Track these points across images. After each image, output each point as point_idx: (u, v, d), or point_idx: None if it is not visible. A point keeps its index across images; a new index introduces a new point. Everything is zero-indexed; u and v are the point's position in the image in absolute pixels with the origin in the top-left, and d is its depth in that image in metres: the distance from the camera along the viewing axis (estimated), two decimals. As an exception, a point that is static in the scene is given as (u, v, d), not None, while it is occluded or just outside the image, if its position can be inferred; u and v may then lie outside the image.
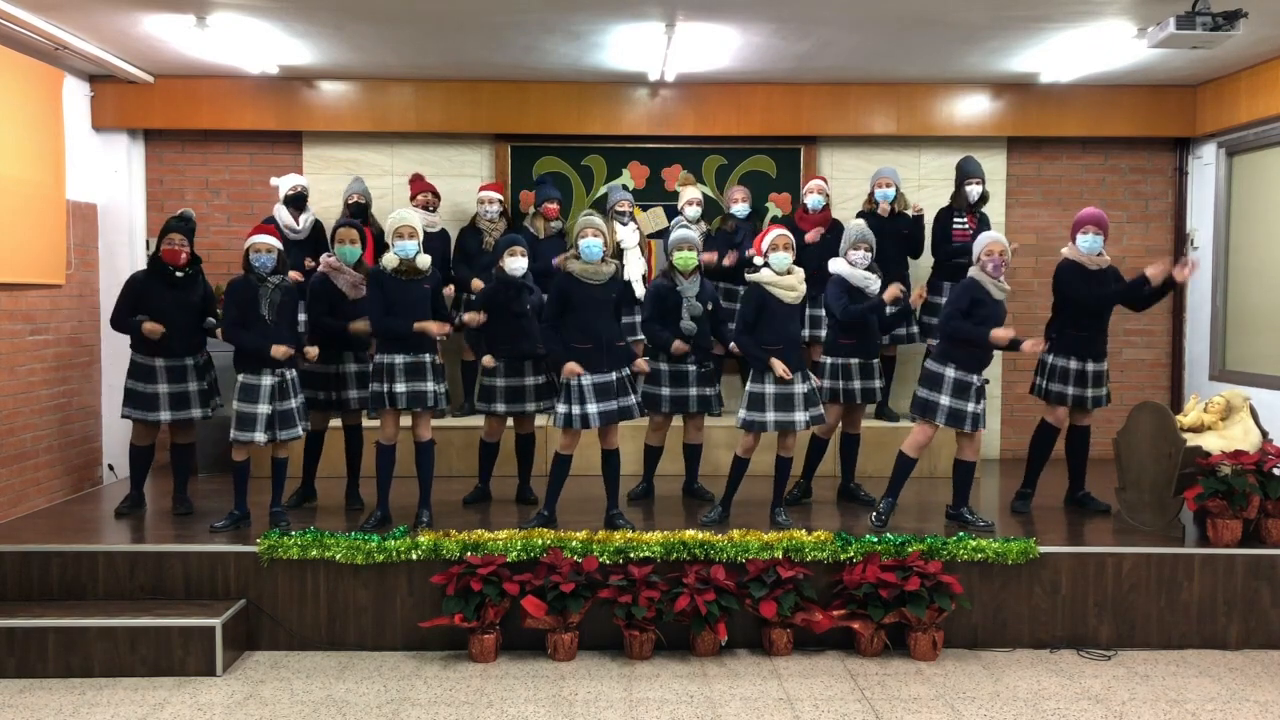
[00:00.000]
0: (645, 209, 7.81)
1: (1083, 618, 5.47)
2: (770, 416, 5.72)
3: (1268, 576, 5.47)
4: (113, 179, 7.68)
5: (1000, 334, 5.63)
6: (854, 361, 6.19)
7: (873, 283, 6.11)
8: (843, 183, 8.05)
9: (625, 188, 7.77)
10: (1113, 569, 5.46)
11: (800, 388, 5.74)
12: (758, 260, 5.87)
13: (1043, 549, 5.44)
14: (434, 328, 5.64)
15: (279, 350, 5.53)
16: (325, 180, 7.85)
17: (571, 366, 5.58)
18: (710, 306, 6.08)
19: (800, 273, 5.82)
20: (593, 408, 5.59)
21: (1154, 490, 5.85)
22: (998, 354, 8.03)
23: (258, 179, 7.93)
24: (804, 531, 5.49)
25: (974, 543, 5.41)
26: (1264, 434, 5.87)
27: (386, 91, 7.78)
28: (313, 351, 5.73)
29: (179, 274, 5.92)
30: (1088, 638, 5.46)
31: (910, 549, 5.37)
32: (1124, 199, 8.31)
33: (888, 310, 6.07)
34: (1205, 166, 8.03)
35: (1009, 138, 8.11)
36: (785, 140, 8.02)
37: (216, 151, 8.00)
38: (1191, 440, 5.80)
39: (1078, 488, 6.38)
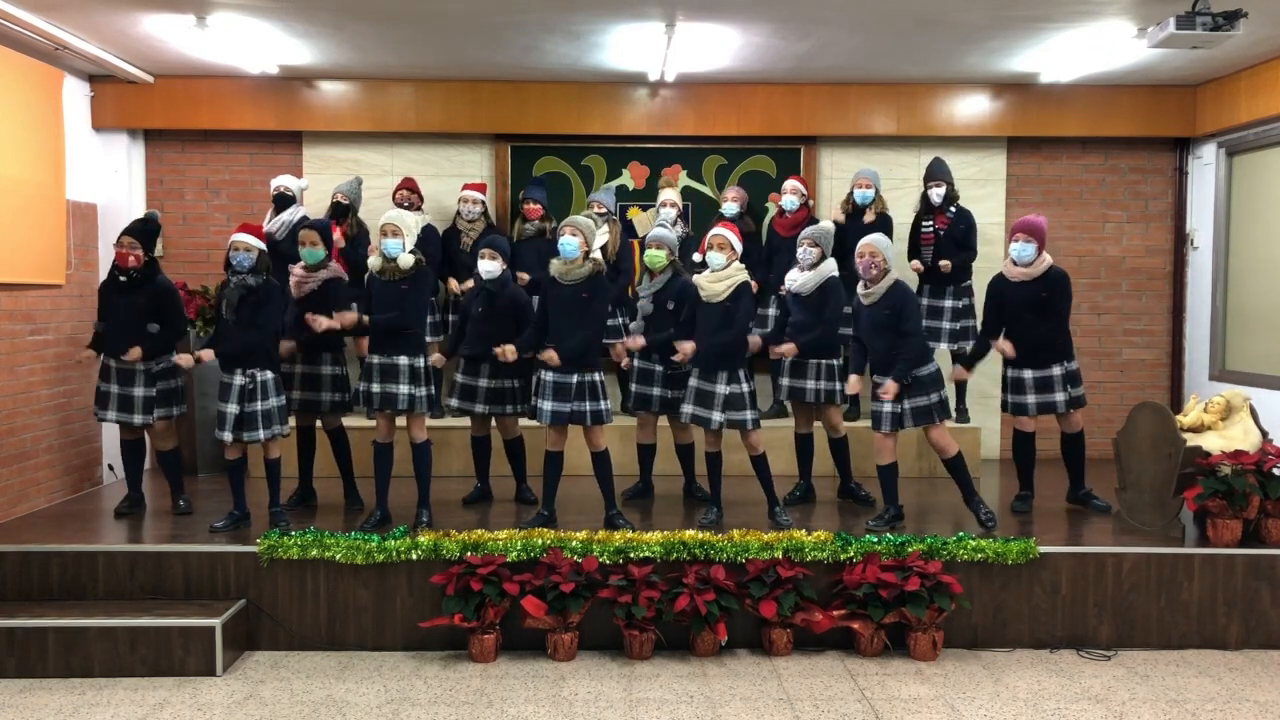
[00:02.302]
0: (645, 209, 7.80)
1: (1083, 618, 5.47)
2: (687, 409, 5.81)
3: (1268, 576, 5.47)
4: (113, 179, 7.68)
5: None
6: (786, 360, 6.18)
7: (793, 283, 6.14)
8: (842, 183, 8.02)
9: (625, 188, 7.75)
10: (1113, 569, 5.46)
11: (722, 388, 5.73)
12: (695, 258, 5.94)
13: (1043, 549, 5.44)
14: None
15: (181, 359, 5.70)
16: (325, 180, 7.84)
17: (549, 355, 5.61)
18: (671, 306, 6.02)
19: (733, 276, 5.75)
20: (547, 405, 5.65)
21: (1154, 490, 5.85)
22: (992, 352, 8.03)
23: (258, 179, 7.93)
24: (804, 531, 5.49)
25: (974, 543, 5.41)
26: (1264, 434, 5.87)
27: (386, 91, 7.77)
28: (185, 360, 5.69)
29: (123, 278, 5.92)
30: (1088, 638, 5.46)
31: (910, 549, 5.37)
32: (1124, 199, 8.31)
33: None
34: (1205, 166, 8.02)
35: (1009, 138, 8.11)
36: (785, 140, 8.02)
37: (216, 151, 8.00)
38: (1191, 440, 5.80)
39: (1079, 487, 6.38)
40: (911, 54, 6.95)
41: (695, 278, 5.91)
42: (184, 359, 5.73)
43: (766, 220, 8.00)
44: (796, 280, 6.14)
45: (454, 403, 6.21)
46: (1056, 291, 5.97)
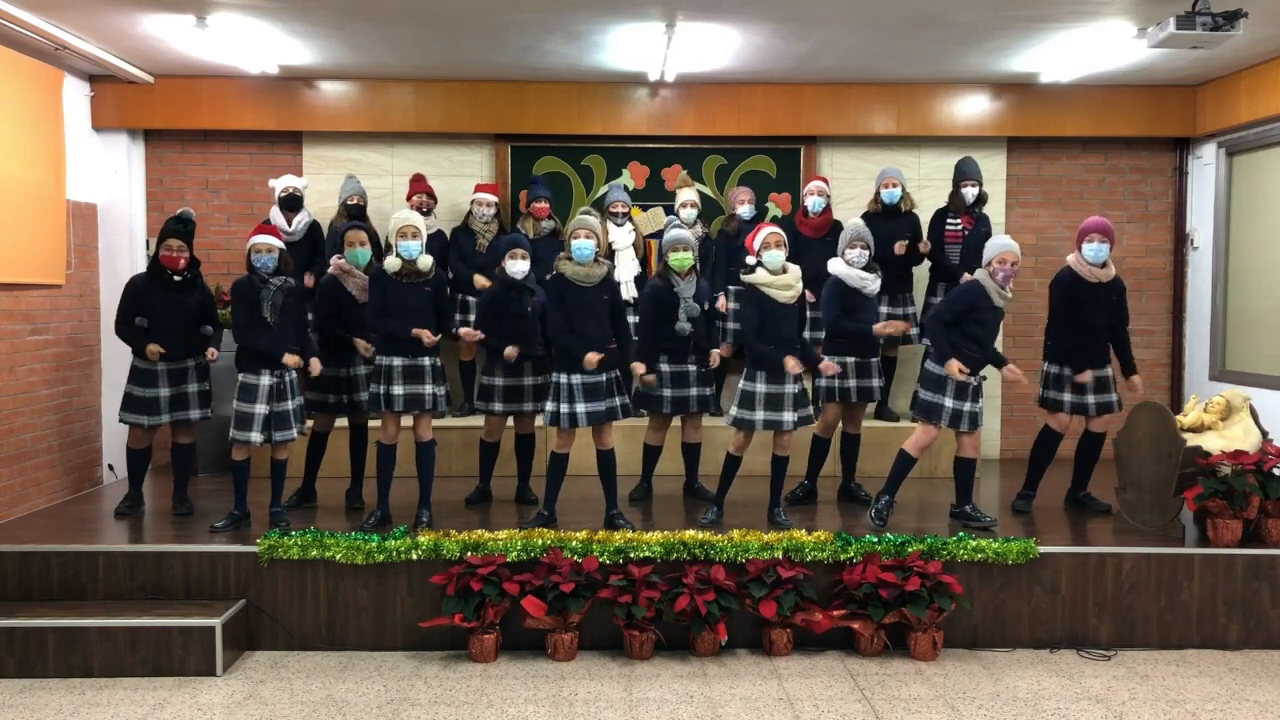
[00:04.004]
0: (645, 209, 7.80)
1: (1083, 618, 5.47)
2: (759, 415, 5.74)
3: (1268, 576, 5.47)
4: (113, 179, 7.68)
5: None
6: (850, 360, 6.20)
7: (870, 282, 6.11)
8: (843, 183, 8.05)
9: (626, 188, 7.76)
10: (1113, 569, 5.46)
11: (791, 388, 5.74)
12: (750, 260, 5.87)
13: (1043, 549, 5.44)
14: (426, 337, 5.62)
15: (290, 359, 5.58)
16: (325, 180, 7.85)
17: (591, 357, 5.54)
18: (706, 307, 6.08)
19: (795, 270, 5.83)
20: (581, 407, 5.61)
21: (1154, 490, 5.85)
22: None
23: (258, 179, 7.93)
24: (804, 531, 5.49)
25: (974, 543, 5.41)
26: (1264, 434, 5.87)
27: (386, 91, 7.78)
28: (316, 367, 5.74)
29: (176, 278, 5.92)
30: (1088, 638, 5.46)
31: (910, 549, 5.37)
32: (1124, 199, 8.31)
33: (895, 336, 6.13)
34: (1205, 166, 8.02)
35: (1009, 138, 8.11)
36: (785, 140, 8.02)
37: (216, 151, 8.00)
38: (1191, 440, 5.80)
39: (1080, 488, 6.38)
40: (911, 54, 6.95)
41: (756, 278, 5.76)
42: (315, 367, 5.72)
43: (766, 220, 8.00)
44: (863, 279, 6.09)
45: (499, 406, 6.14)
46: (1123, 296, 6.10)
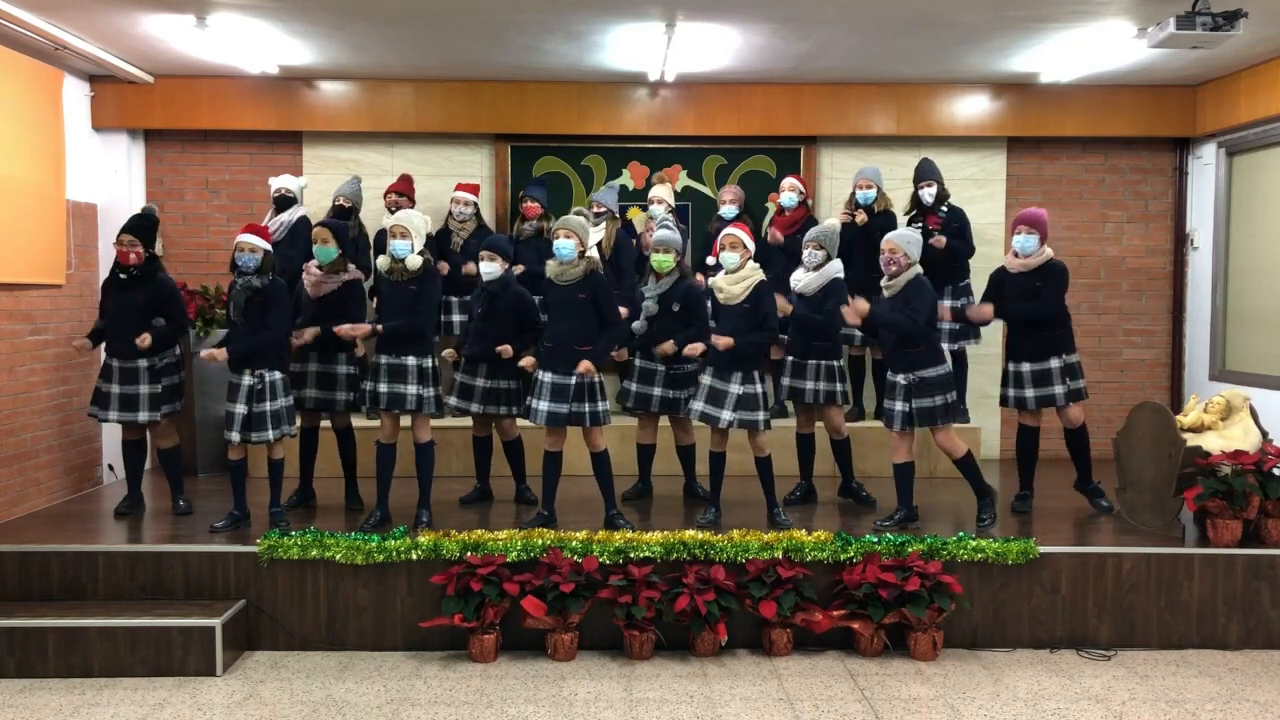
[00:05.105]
0: (645, 209, 7.79)
1: (1083, 618, 5.47)
2: (697, 406, 5.81)
3: (1268, 576, 5.47)
4: (113, 179, 7.68)
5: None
6: (788, 360, 6.24)
7: (801, 283, 6.16)
8: (842, 183, 8.03)
9: (624, 189, 7.75)
10: (1113, 569, 5.46)
11: (735, 388, 5.73)
12: (710, 261, 5.92)
13: (1043, 549, 5.44)
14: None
15: (216, 353, 5.59)
16: (325, 180, 7.84)
17: (527, 361, 5.75)
18: (676, 309, 5.99)
19: (748, 272, 5.78)
20: (543, 405, 5.65)
21: (1154, 490, 5.85)
22: (992, 351, 8.03)
23: (258, 179, 7.92)
24: (804, 531, 5.50)
25: (974, 543, 5.41)
26: (1264, 434, 5.88)
27: (386, 91, 7.78)
28: (217, 355, 5.56)
29: (122, 275, 5.91)
30: (1088, 638, 5.46)
31: (910, 549, 5.37)
32: (1124, 199, 8.31)
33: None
34: (1205, 166, 8.02)
35: (1009, 138, 8.11)
36: (785, 140, 8.02)
37: (216, 151, 8.00)
38: (1191, 440, 5.80)
39: (1086, 481, 6.35)
40: (911, 54, 6.95)
41: (712, 280, 5.92)
42: (218, 354, 5.59)
43: (766, 220, 8.00)
44: (801, 280, 6.16)
45: (453, 400, 6.22)
46: (1050, 282, 5.98)
